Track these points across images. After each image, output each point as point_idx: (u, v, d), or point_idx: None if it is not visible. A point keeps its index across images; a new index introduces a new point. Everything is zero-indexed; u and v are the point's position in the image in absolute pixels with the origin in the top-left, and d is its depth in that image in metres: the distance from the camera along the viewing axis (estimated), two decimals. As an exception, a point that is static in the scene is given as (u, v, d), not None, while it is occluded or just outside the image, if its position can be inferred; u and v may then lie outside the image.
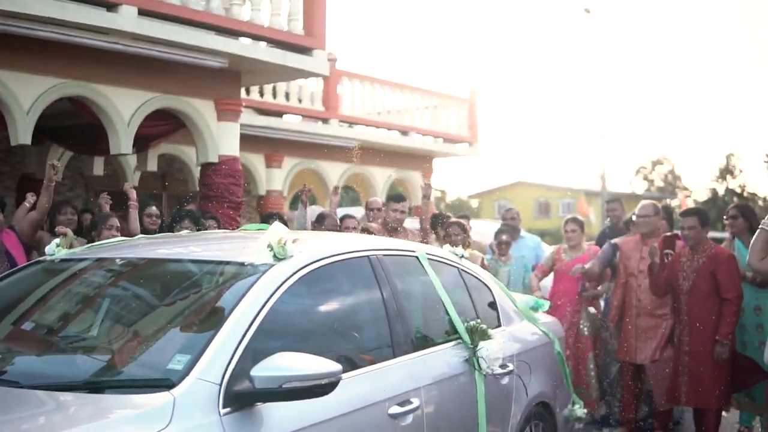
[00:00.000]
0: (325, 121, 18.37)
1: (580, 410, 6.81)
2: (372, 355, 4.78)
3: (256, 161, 17.58)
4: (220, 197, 11.99)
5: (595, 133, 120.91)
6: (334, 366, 3.80)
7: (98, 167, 14.70)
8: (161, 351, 3.94)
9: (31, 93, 10.21)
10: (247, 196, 13.48)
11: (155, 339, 4.12)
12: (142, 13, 10.42)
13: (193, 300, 4.43)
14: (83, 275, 4.86)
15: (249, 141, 13.77)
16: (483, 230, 12.98)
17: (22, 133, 10.19)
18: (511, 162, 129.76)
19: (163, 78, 11.33)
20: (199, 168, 12.64)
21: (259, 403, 3.77)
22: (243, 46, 11.85)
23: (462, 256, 6.19)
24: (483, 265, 9.85)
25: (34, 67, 10.18)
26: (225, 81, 12.14)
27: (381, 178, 20.25)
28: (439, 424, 4.95)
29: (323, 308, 4.83)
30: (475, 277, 6.19)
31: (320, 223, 9.67)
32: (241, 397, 3.69)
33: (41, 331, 4.56)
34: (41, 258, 5.26)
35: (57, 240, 5.25)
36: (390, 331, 4.88)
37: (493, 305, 6.21)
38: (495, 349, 5.34)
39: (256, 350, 3.86)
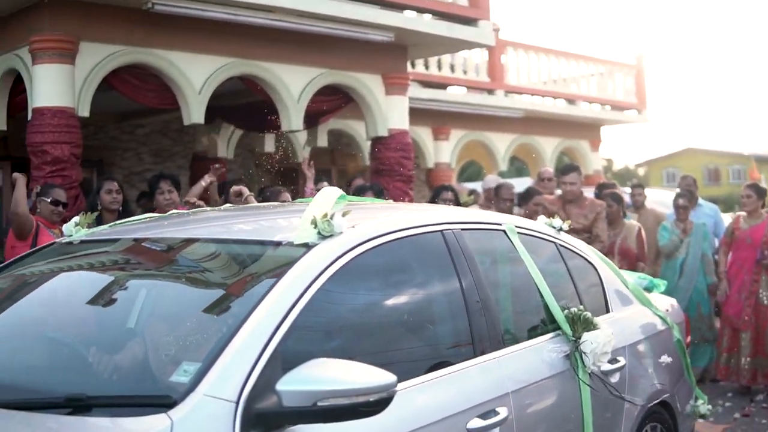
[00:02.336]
0: (490, 92, 18.27)
1: (704, 407, 5.92)
2: (446, 356, 3.96)
3: (423, 134, 17.64)
4: (391, 171, 12.10)
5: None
6: (385, 376, 2.98)
7: (269, 144, 15.01)
8: (166, 357, 3.26)
9: (202, 73, 10.48)
10: (416, 169, 13.54)
11: (159, 341, 3.40)
12: (308, -11, 10.57)
13: (210, 290, 3.73)
14: (87, 261, 4.22)
15: (416, 114, 13.82)
16: (657, 198, 12.76)
17: (195, 113, 10.48)
18: (680, 128, 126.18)
19: (331, 54, 11.48)
20: (369, 143, 12.79)
21: (289, 427, 2.97)
22: (408, 20, 11.89)
23: (560, 229, 5.26)
24: (640, 236, 9.72)
25: (204, 47, 10.45)
26: (391, 55, 12.22)
27: (549, 147, 20.02)
28: None
29: (380, 299, 3.92)
30: (578, 253, 5.27)
31: (497, 194, 9.70)
32: (265, 418, 2.92)
33: (27, 329, 3.79)
34: (57, 240, 4.61)
35: (76, 218, 4.65)
36: (469, 324, 4.00)
37: (599, 287, 5.29)
38: (602, 341, 4.45)
39: (287, 356, 3.09)
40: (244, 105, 12.48)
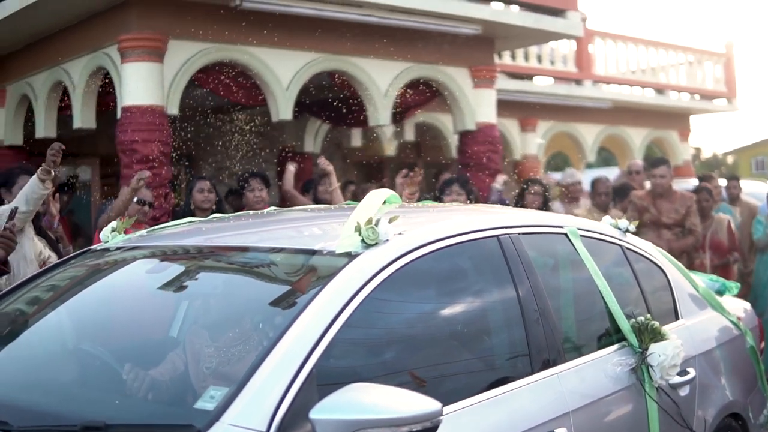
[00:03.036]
0: (578, 82, 18.01)
1: None
2: (501, 372, 3.66)
3: (510, 126, 17.44)
4: (478, 165, 11.98)
5: None
6: (430, 404, 2.72)
7: (356, 138, 14.97)
8: (193, 381, 3.14)
9: (289, 69, 10.48)
10: (502, 160, 13.40)
11: (187, 362, 3.28)
12: (395, -17, 10.49)
13: (242, 306, 3.52)
14: (119, 270, 3.99)
15: (502, 105, 13.66)
16: (752, 190, 12.44)
17: (283, 109, 10.46)
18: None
19: (418, 48, 11.36)
20: (457, 136, 12.66)
21: None
22: (495, 12, 11.73)
23: (627, 230, 4.90)
24: (730, 229, 9.47)
25: (290, 43, 10.42)
26: (478, 47, 12.06)
27: (637, 138, 19.68)
28: None
29: (429, 312, 3.60)
30: (645, 256, 4.87)
31: (594, 188, 9.54)
32: None
33: (51, 347, 3.64)
34: (94, 246, 4.39)
35: (114, 223, 4.36)
36: (527, 337, 3.68)
37: (668, 292, 4.88)
38: (671, 352, 4.09)
39: (324, 378, 2.83)
40: (331, 100, 12.44)
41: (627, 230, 4.86)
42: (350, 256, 3.22)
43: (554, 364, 3.71)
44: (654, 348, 4.10)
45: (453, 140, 13.83)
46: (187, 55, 9.69)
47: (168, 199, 9.47)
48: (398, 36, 11.03)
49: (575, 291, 4.40)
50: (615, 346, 4.13)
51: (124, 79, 9.45)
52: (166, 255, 3.92)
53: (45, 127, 11.28)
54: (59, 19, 10.31)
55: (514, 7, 12.17)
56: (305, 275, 3.38)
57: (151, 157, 9.28)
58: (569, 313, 4.27)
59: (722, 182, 11.70)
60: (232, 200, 9.92)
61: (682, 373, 4.32)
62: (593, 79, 18.21)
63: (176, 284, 3.71)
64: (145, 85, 9.38)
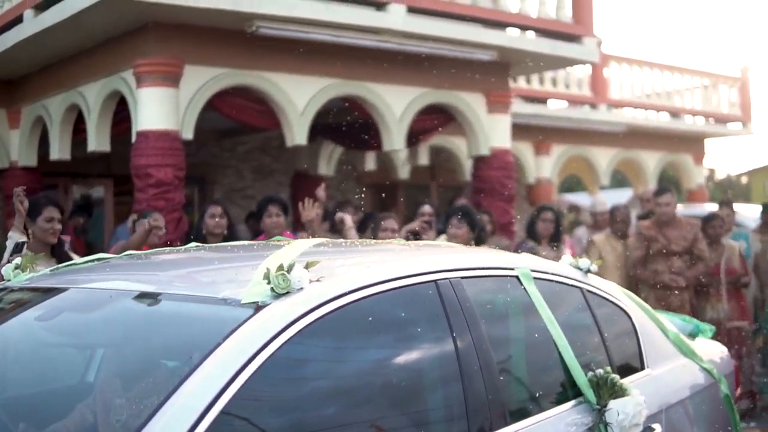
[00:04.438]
0: (593, 106, 17.99)
1: None
2: None
3: (524, 149, 17.41)
4: (492, 190, 11.94)
5: None
6: None
7: (369, 162, 14.97)
8: None
9: (304, 94, 10.46)
10: (516, 184, 13.36)
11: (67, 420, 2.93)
12: (411, 10, 10.50)
13: (131, 360, 3.13)
14: (13, 313, 3.58)
15: (517, 129, 13.62)
16: (754, 215, 12.36)
17: (298, 134, 10.45)
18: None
19: (433, 73, 11.34)
20: (471, 161, 12.64)
21: None
22: (512, 39, 11.72)
23: (588, 271, 4.43)
24: (741, 257, 9.43)
25: (306, 68, 10.41)
26: (494, 73, 12.04)
27: (651, 162, 19.63)
28: None
29: (349, 372, 3.15)
30: (608, 299, 4.40)
31: (612, 216, 9.57)
32: None
33: None
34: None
35: (18, 260, 3.97)
36: (465, 397, 3.22)
37: (633, 339, 4.41)
38: (632, 410, 3.69)
39: None
40: (346, 123, 12.44)
41: (588, 271, 4.44)
42: (257, 307, 2.85)
43: (498, 426, 3.29)
44: (613, 404, 3.70)
45: (467, 164, 13.81)
46: (203, 79, 9.70)
47: (181, 224, 9.46)
48: (414, 62, 11.02)
49: (527, 341, 3.96)
50: (571, 403, 3.71)
51: (140, 104, 9.46)
52: (62, 298, 3.45)
53: (60, 149, 11.30)
54: (75, 42, 10.34)
55: (530, 33, 12.15)
56: (203, 328, 2.96)
57: (165, 182, 9.28)
58: (519, 366, 3.86)
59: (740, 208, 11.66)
60: (252, 224, 9.94)
61: (647, 430, 3.87)
62: (608, 103, 18.17)
63: (69, 332, 3.43)
64: (160, 109, 9.39)
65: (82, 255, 8.14)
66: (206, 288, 3.27)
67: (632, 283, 9.08)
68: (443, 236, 7.84)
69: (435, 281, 3.40)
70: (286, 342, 2.76)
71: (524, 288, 3.84)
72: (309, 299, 2.92)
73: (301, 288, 2.93)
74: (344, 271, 3.35)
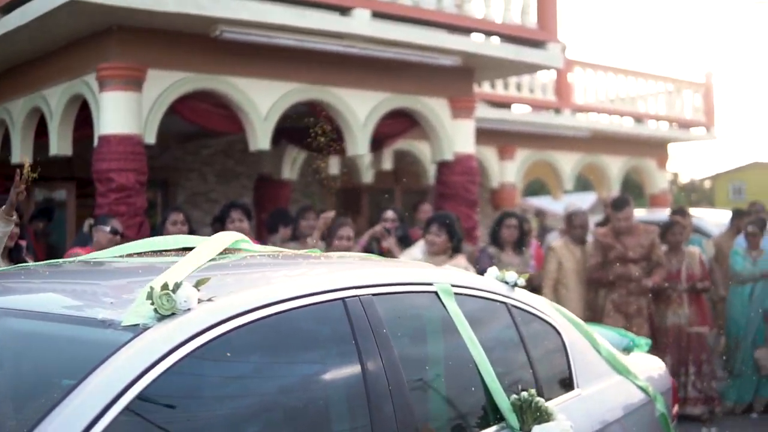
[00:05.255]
0: (557, 111, 18.07)
1: None
2: None
3: (488, 153, 17.45)
4: (455, 195, 11.95)
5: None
6: None
7: (333, 167, 14.96)
8: None
9: (268, 99, 10.44)
10: (480, 188, 13.39)
11: None
12: (375, 15, 10.50)
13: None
14: None
15: (481, 134, 13.65)
16: (716, 220, 12.47)
17: (261, 139, 10.42)
18: (748, 143, 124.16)
19: (397, 78, 11.37)
20: (435, 166, 12.66)
21: None
22: (476, 44, 11.75)
23: (515, 285, 4.20)
24: (701, 263, 9.52)
25: (270, 73, 10.40)
26: (458, 78, 12.07)
27: (615, 166, 19.74)
28: None
29: (241, 401, 2.86)
30: (537, 315, 4.18)
31: (569, 221, 9.53)
32: None
33: None
34: None
35: None
36: (371, 425, 2.98)
37: (563, 357, 4.21)
38: None
39: None
40: (310, 128, 12.41)
41: (515, 285, 4.21)
42: (136, 330, 2.59)
43: None
44: (538, 430, 3.52)
45: (431, 168, 13.82)
46: (166, 84, 9.65)
47: (143, 228, 9.41)
48: (378, 67, 11.03)
49: (445, 363, 3.73)
50: (492, 429, 3.50)
51: (102, 108, 9.39)
52: None
53: (21, 152, 11.20)
54: (38, 46, 10.26)
55: (495, 39, 12.18)
56: (81, 352, 2.69)
57: (126, 186, 9.23)
58: (436, 390, 3.61)
59: (697, 213, 11.76)
60: (217, 228, 9.88)
61: None
62: (572, 108, 18.26)
63: None
64: (122, 114, 9.33)
65: (42, 259, 8.13)
66: (90, 309, 2.96)
67: (591, 289, 9.15)
68: (420, 242, 7.83)
69: (342, 299, 3.17)
70: (168, 369, 2.52)
71: (443, 305, 3.62)
72: (196, 321, 2.67)
73: (188, 309, 2.68)
74: (240, 289, 3.04)
